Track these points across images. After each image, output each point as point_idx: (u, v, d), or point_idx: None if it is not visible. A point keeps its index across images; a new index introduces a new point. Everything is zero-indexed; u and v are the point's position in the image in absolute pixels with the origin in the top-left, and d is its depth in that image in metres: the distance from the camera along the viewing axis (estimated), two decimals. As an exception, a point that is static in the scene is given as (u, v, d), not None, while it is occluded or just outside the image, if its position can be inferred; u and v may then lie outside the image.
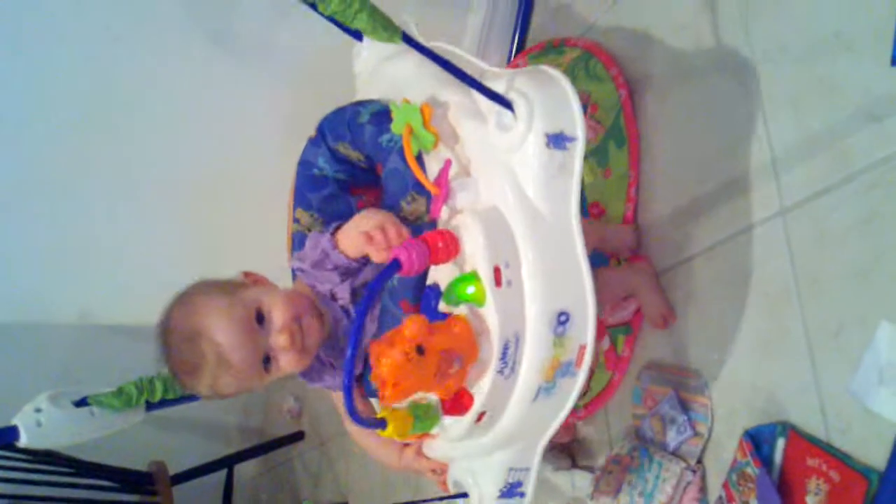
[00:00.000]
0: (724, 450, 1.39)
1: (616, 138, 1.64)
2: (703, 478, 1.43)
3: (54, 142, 1.91)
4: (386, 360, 1.04)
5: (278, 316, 1.32)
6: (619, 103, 1.66)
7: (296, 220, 1.53)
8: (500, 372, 1.10)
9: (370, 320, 1.38)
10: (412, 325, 1.06)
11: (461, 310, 1.15)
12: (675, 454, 1.46)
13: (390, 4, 1.21)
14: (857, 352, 1.19)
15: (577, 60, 1.79)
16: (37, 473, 2.36)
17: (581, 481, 1.64)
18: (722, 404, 1.42)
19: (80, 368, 2.67)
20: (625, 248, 1.57)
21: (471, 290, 1.11)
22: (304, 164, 1.52)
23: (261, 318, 1.32)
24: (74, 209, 2.05)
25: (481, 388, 1.12)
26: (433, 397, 1.20)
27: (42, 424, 1.55)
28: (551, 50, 1.92)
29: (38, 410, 1.56)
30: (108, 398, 1.61)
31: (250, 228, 1.68)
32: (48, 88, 1.82)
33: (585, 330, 1.12)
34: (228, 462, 3.04)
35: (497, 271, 1.10)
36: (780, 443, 1.26)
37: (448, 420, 1.19)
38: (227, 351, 1.29)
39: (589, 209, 1.68)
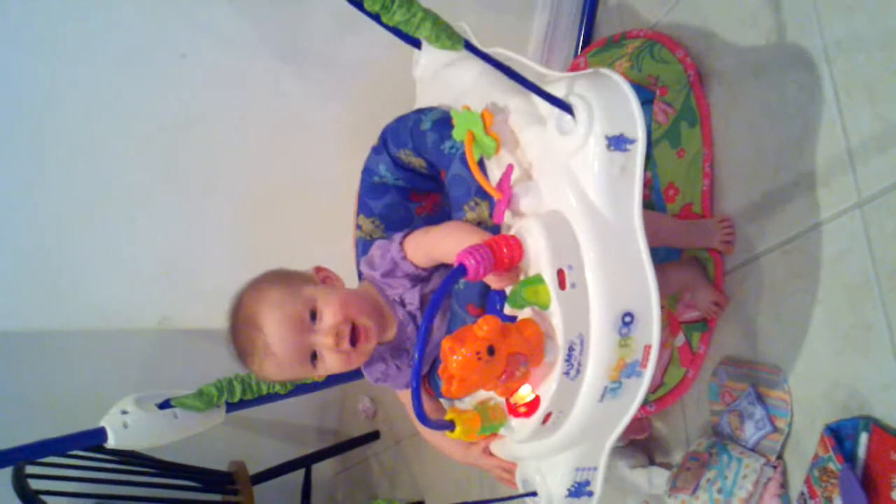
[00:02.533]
0: (805, 445, 1.37)
1: (688, 118, 1.64)
2: (784, 473, 1.41)
3: (132, 156, 1.96)
4: (457, 358, 1.05)
5: (329, 316, 1.34)
6: (688, 83, 1.65)
7: (358, 227, 1.58)
8: (566, 373, 1.11)
9: (440, 323, 1.40)
10: (485, 326, 1.07)
11: (526, 312, 1.16)
12: (755, 450, 1.44)
13: (452, 13, 1.22)
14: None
15: (640, 48, 1.78)
16: (122, 474, 2.43)
17: (658, 478, 1.63)
18: (801, 399, 1.40)
19: (160, 372, 2.74)
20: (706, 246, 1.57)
21: (535, 293, 1.12)
22: (367, 172, 1.56)
23: (315, 314, 1.35)
24: (153, 219, 2.10)
25: (547, 390, 1.13)
26: (500, 399, 1.22)
27: (128, 426, 1.59)
28: (612, 45, 1.91)
29: (124, 413, 1.61)
30: (190, 399, 1.65)
31: (319, 235, 1.72)
32: (127, 109, 1.88)
33: (651, 330, 1.12)
34: (306, 462, 3.09)
35: (561, 274, 1.10)
36: (864, 437, 1.24)
37: (515, 421, 1.20)
38: (272, 343, 1.33)
39: (665, 191, 1.67)
